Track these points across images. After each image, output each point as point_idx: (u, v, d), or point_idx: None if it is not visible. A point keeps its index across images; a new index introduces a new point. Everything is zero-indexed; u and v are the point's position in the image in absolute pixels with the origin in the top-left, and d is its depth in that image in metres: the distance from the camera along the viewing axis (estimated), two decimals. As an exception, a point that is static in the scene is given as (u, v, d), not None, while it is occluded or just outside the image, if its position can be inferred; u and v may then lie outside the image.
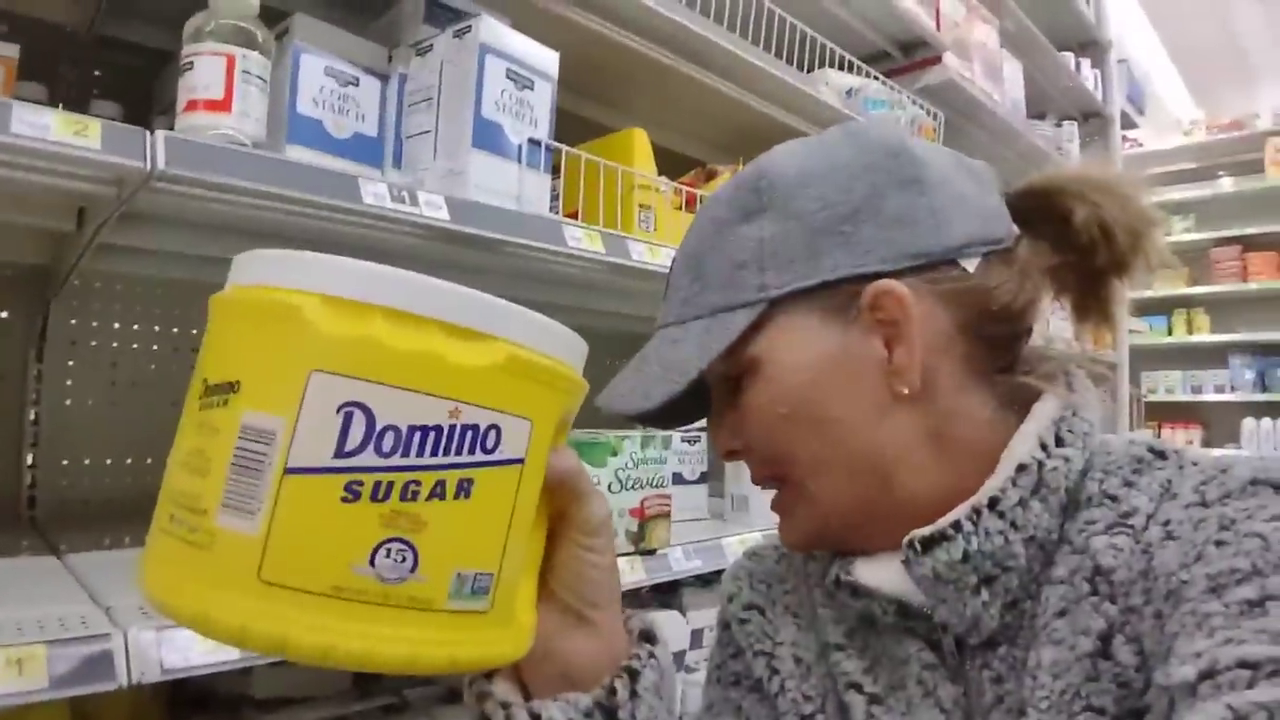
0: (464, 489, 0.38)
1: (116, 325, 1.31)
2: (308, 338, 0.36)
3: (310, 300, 0.37)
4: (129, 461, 1.32)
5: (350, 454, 0.36)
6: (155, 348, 1.35)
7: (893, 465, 0.55)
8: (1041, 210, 0.58)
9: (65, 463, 1.26)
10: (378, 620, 0.37)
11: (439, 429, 0.37)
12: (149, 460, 1.33)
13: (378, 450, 0.36)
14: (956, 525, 0.52)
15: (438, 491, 0.37)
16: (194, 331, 1.39)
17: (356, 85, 1.10)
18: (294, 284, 0.37)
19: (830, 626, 0.63)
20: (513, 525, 0.41)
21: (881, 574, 0.57)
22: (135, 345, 1.33)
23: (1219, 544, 0.44)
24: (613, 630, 0.51)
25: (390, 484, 0.36)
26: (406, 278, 0.38)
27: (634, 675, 0.50)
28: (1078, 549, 0.52)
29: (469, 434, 0.38)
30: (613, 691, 0.49)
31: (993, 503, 0.52)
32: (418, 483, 0.37)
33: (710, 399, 0.62)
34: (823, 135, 0.61)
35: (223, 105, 0.87)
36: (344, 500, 0.36)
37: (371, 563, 0.36)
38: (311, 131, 1.05)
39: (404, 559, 0.37)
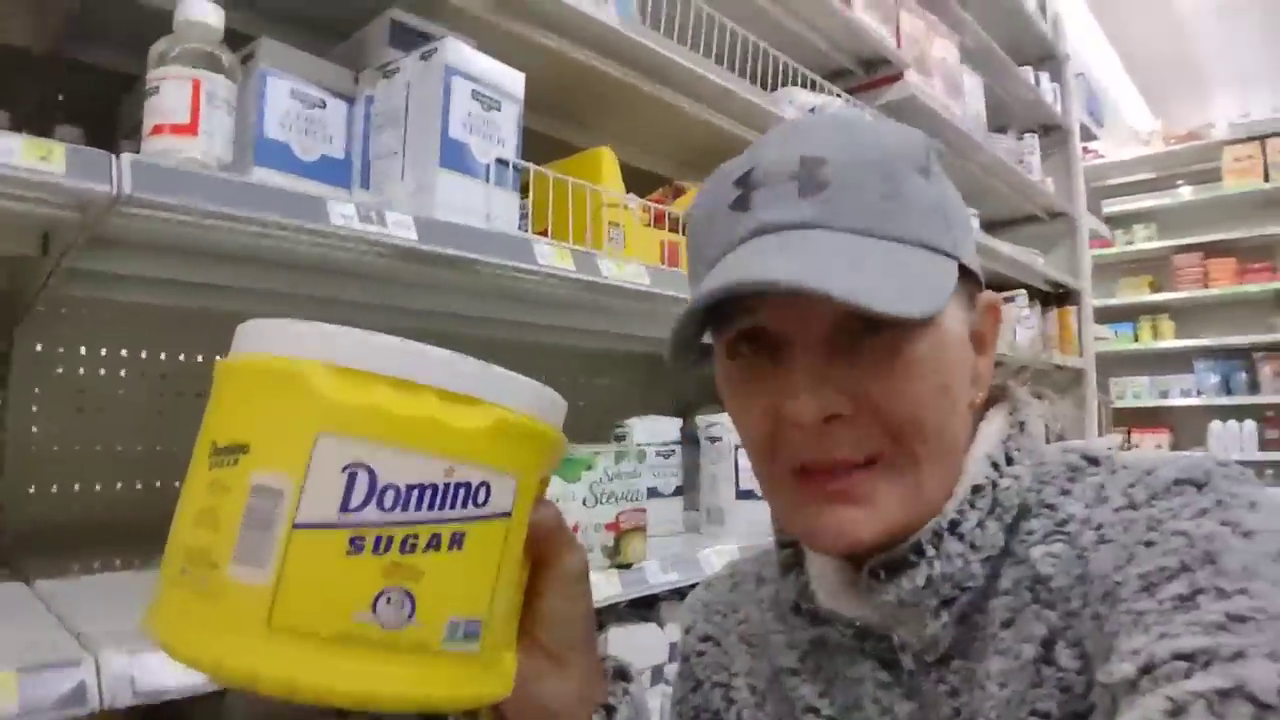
0: (457, 541, 0.41)
1: (83, 351, 1.30)
2: (314, 403, 0.39)
3: (317, 368, 0.40)
4: (97, 488, 1.31)
5: (354, 510, 0.39)
6: (123, 373, 1.34)
7: (956, 467, 0.56)
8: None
9: (32, 490, 1.25)
10: (379, 663, 0.40)
11: (435, 487, 0.40)
12: (118, 486, 1.32)
13: (379, 506, 0.39)
14: (918, 549, 0.53)
15: (434, 544, 0.41)
16: (162, 356, 1.38)
17: (323, 108, 1.11)
18: (301, 352, 0.40)
19: (783, 651, 0.64)
20: (500, 574, 0.44)
21: (839, 598, 0.58)
22: (102, 371, 1.32)
23: (1148, 544, 0.46)
24: (589, 671, 0.53)
25: (391, 538, 0.39)
26: (406, 348, 0.41)
27: (610, 712, 0.52)
28: (1019, 559, 0.53)
29: (462, 491, 0.41)
30: None
31: (953, 525, 0.53)
32: (415, 536, 0.40)
33: (702, 356, 0.58)
34: None
35: (189, 129, 0.87)
36: (348, 553, 0.39)
37: (373, 610, 0.39)
38: (279, 154, 1.06)
39: (403, 606, 0.40)
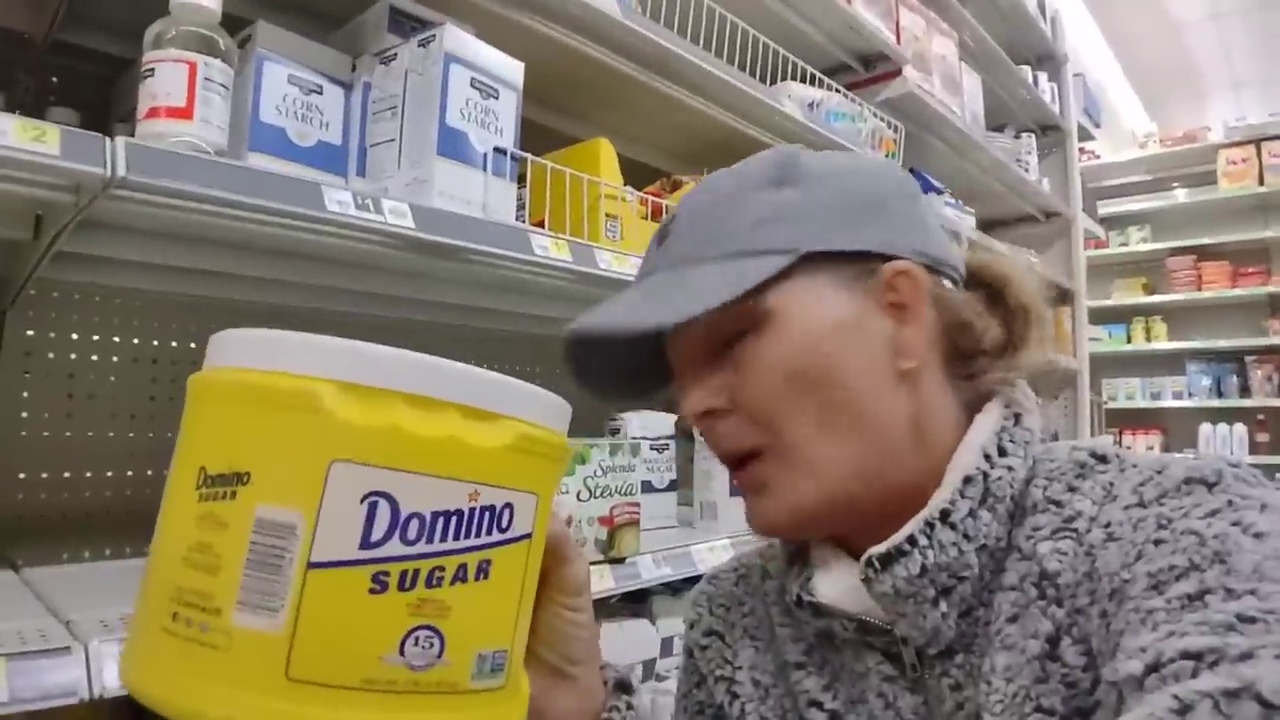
0: (483, 570, 0.39)
1: (74, 337, 1.29)
2: (327, 427, 0.35)
3: (328, 387, 0.36)
4: (88, 475, 1.30)
5: (376, 544, 0.36)
6: (115, 359, 1.33)
7: (886, 442, 0.56)
8: (978, 274, 0.64)
9: (22, 477, 1.23)
10: (408, 708, 0.37)
11: (460, 513, 0.38)
12: (108, 474, 1.31)
13: (403, 539, 0.36)
14: (911, 540, 0.54)
15: (460, 575, 0.38)
16: (154, 343, 1.37)
17: (320, 93, 1.09)
18: (308, 369, 0.37)
19: (789, 645, 0.64)
20: (522, 599, 0.42)
21: (841, 591, 0.59)
22: (94, 357, 1.31)
23: (1157, 543, 0.46)
24: (592, 684, 0.54)
25: (416, 571, 0.36)
26: (423, 361, 0.38)
27: None
28: (1026, 555, 0.53)
29: (487, 515, 0.39)
30: None
31: (944, 515, 0.54)
32: (442, 568, 0.37)
33: (659, 382, 0.64)
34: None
35: (184, 113, 0.86)
36: (372, 591, 0.36)
37: (401, 652, 0.36)
38: (274, 140, 1.04)
39: (431, 645, 0.37)
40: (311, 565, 0.35)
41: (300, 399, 0.36)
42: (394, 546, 0.36)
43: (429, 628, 0.37)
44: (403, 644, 0.36)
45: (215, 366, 0.40)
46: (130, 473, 1.34)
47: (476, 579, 0.38)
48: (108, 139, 0.76)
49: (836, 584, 0.59)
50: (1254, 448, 5.27)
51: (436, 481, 0.37)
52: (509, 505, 0.39)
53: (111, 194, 0.79)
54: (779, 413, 0.55)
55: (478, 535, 0.38)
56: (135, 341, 1.35)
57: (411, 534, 0.36)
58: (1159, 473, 0.50)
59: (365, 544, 0.35)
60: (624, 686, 0.57)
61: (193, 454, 0.38)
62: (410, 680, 0.36)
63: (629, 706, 0.55)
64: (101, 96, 1.25)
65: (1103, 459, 0.55)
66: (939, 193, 2.45)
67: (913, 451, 0.57)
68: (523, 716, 0.44)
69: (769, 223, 0.57)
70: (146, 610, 0.38)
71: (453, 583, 0.37)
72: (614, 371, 0.65)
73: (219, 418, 0.39)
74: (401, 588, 0.36)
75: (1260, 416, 5.31)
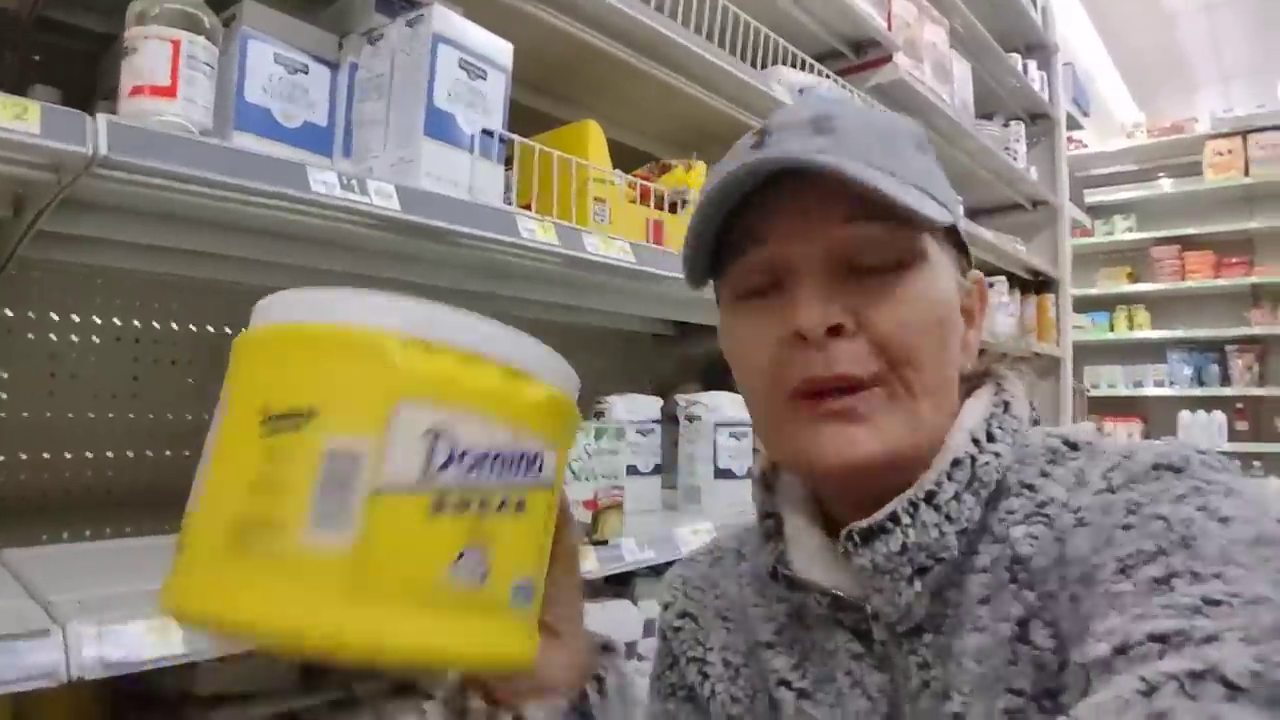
0: (521, 506, 0.44)
1: (54, 317, 1.28)
2: (395, 370, 0.40)
3: (394, 337, 0.40)
4: (68, 456, 1.29)
5: (435, 474, 0.40)
6: (96, 340, 1.32)
7: (944, 419, 0.58)
8: None
9: (2, 458, 1.22)
10: (461, 622, 0.41)
11: (505, 453, 0.43)
12: (88, 455, 1.30)
13: (460, 469, 0.41)
14: (894, 518, 0.54)
15: (503, 507, 0.43)
16: (136, 323, 1.36)
17: (306, 73, 1.08)
18: (376, 322, 0.41)
19: (760, 625, 0.65)
20: (544, 540, 0.47)
21: (816, 566, 0.60)
22: (74, 338, 1.30)
23: (1126, 528, 0.47)
24: (578, 643, 0.56)
25: (469, 500, 0.41)
26: (474, 323, 0.43)
27: (600, 682, 0.56)
28: (999, 538, 0.54)
29: (524, 459, 0.44)
30: (585, 696, 0.55)
31: (929, 496, 0.54)
32: (488, 499, 0.42)
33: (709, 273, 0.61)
34: None
35: (168, 91, 0.85)
36: (431, 515, 0.40)
37: (453, 570, 0.40)
38: (260, 119, 1.03)
39: (479, 566, 0.42)
40: (377, 490, 0.39)
41: (372, 347, 0.40)
42: (449, 476, 0.40)
43: (477, 551, 0.41)
44: (455, 563, 0.40)
45: (271, 322, 0.44)
46: (110, 454, 1.33)
47: (516, 512, 0.43)
48: (89, 117, 0.75)
49: (813, 559, 0.60)
50: (1233, 435, 5.32)
51: (487, 423, 0.42)
52: (539, 454, 0.44)
53: (94, 173, 0.78)
54: (915, 351, 0.54)
55: (517, 474, 0.43)
56: (117, 322, 1.34)
57: (465, 466, 0.41)
58: (1127, 458, 0.51)
59: (426, 473, 0.40)
60: (608, 647, 0.60)
61: (251, 399, 0.42)
62: (460, 597, 0.41)
63: (614, 663, 0.58)
64: (86, 74, 1.23)
65: (1074, 446, 0.56)
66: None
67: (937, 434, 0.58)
68: (536, 651, 0.47)
69: (931, 176, 0.57)
70: (202, 542, 0.41)
71: (497, 510, 0.42)
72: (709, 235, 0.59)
73: (282, 365, 0.42)
74: (455, 512, 0.40)
75: (1239, 405, 5.37)
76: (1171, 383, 5.62)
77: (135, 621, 0.73)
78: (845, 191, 0.52)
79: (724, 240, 0.58)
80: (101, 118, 0.76)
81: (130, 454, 1.34)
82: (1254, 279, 5.38)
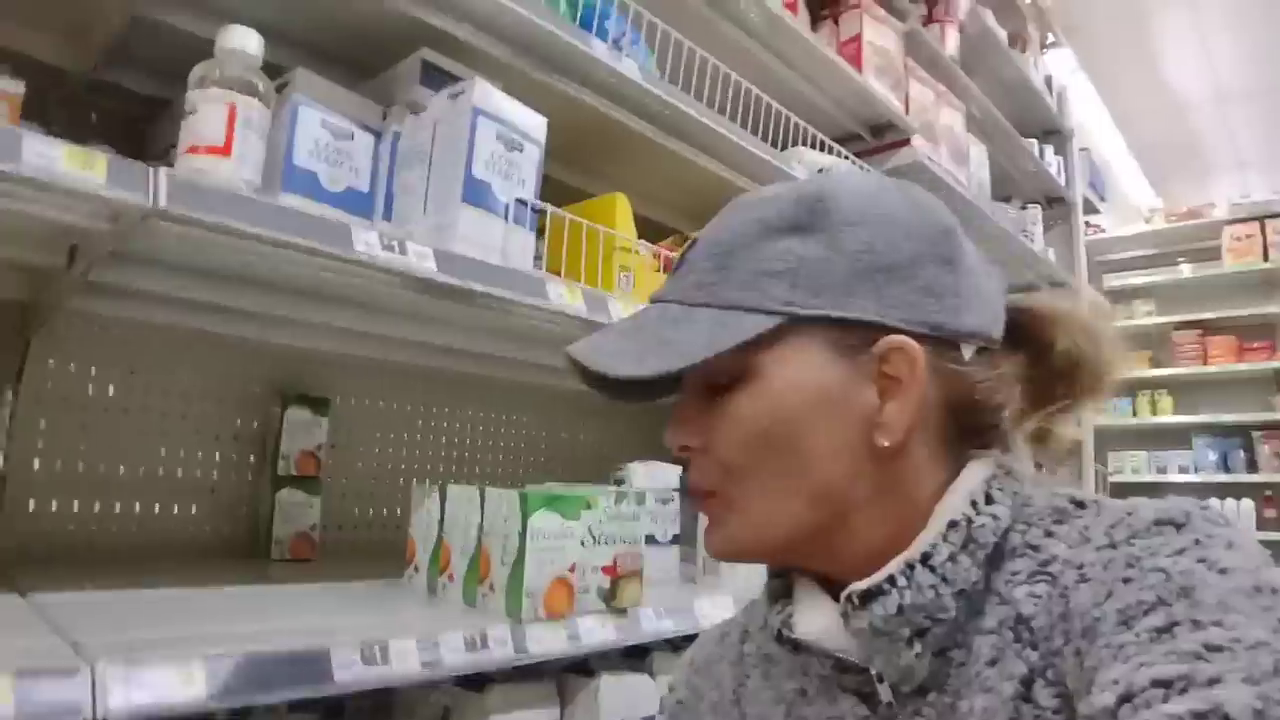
0: None
1: (93, 370, 1.31)
2: None
3: None
4: (96, 509, 1.30)
5: None
6: (132, 393, 1.34)
7: (844, 508, 0.58)
8: (1027, 328, 0.63)
9: (32, 506, 1.24)
10: None
11: None
12: (116, 509, 1.31)
13: None
14: (891, 580, 0.55)
15: None
16: (171, 378, 1.39)
17: (351, 139, 1.13)
18: None
19: (764, 696, 0.66)
20: None
21: (820, 629, 0.60)
22: (111, 391, 1.32)
23: (1127, 580, 0.47)
24: None
25: None
26: None
27: None
28: (1004, 599, 0.54)
29: None
30: None
31: (925, 558, 0.55)
32: None
33: (671, 389, 0.65)
34: (884, 180, 0.64)
35: (223, 150, 0.90)
36: None
37: None
38: (306, 182, 1.08)
39: None
40: None
41: None
42: None
43: None
44: None
45: None
46: (138, 508, 1.34)
47: None
48: (151, 170, 0.79)
49: (816, 621, 0.60)
50: (1261, 523, 5.20)
51: None
52: None
53: (150, 224, 0.82)
54: (735, 467, 0.59)
55: None
56: (152, 378, 1.37)
57: None
58: (1129, 514, 0.52)
59: None
60: None
61: None
62: None
63: None
64: (133, 135, 1.29)
65: (1081, 504, 0.57)
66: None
67: (882, 515, 0.58)
68: None
69: (772, 278, 0.57)
70: None
71: None
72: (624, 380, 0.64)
73: None
74: None
75: (1268, 493, 5.26)
76: (1196, 469, 5.53)
77: (164, 666, 0.73)
78: None
79: None
80: (162, 171, 0.80)
81: (157, 509, 1.35)
82: (1278, 364, 5.34)
